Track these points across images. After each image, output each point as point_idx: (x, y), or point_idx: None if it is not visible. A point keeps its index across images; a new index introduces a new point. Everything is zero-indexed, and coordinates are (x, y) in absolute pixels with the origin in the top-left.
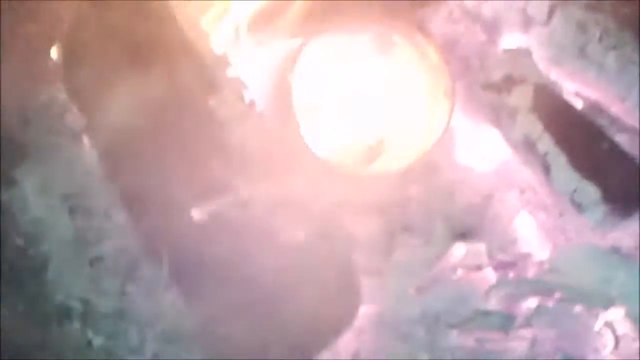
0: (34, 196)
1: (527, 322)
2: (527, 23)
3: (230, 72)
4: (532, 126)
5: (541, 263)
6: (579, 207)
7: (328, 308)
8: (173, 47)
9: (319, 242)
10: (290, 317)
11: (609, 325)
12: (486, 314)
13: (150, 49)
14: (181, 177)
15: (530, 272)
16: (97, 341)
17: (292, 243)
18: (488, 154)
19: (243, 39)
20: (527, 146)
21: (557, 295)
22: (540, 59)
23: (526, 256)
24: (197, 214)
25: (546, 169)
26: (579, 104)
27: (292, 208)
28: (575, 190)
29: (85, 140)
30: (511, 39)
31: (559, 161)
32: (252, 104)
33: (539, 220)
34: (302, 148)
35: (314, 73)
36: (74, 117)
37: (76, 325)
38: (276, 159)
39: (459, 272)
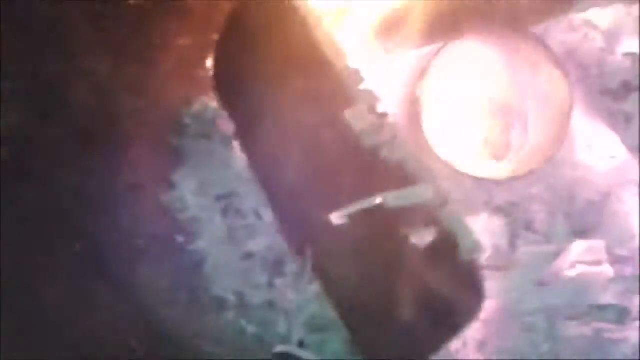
0: (191, 197)
1: None
2: None
3: (364, 86)
4: None
5: None
6: None
7: (456, 302)
8: (314, 61)
9: (446, 244)
10: (423, 311)
11: None
12: (603, 307)
13: (292, 63)
14: (321, 184)
15: None
16: (250, 329)
17: (421, 244)
18: (607, 153)
19: (372, 48)
20: None
21: None
22: None
23: None
24: (335, 217)
25: None
26: None
27: (421, 212)
28: None
29: (235, 145)
30: (629, 46)
31: None
32: (384, 115)
33: None
34: (430, 156)
35: (444, 82)
36: (225, 124)
37: (231, 315)
38: (406, 167)
39: (579, 267)
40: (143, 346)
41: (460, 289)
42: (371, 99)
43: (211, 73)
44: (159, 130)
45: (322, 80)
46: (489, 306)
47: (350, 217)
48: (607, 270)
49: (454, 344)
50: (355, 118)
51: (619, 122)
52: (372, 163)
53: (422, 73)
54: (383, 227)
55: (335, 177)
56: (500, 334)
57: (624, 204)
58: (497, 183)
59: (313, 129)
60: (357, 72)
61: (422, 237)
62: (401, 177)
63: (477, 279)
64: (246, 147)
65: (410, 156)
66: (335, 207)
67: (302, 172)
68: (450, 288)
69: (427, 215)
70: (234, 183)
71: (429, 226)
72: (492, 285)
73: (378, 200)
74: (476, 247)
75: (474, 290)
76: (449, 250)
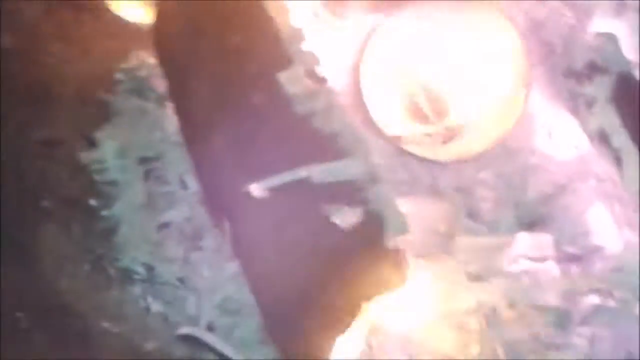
0: (112, 158)
1: (585, 321)
2: (619, 9)
3: (305, 47)
4: (608, 118)
5: (608, 259)
6: None
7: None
8: (253, 15)
9: (371, 226)
10: (339, 295)
11: None
12: (543, 309)
13: (231, 17)
14: (245, 151)
15: (596, 268)
16: (155, 307)
17: (343, 224)
18: (568, 141)
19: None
20: (602, 138)
21: (618, 294)
22: (629, 47)
23: (596, 249)
24: (255, 189)
25: (618, 164)
26: None
27: (347, 189)
28: None
29: (169, 105)
30: (601, 25)
31: (631, 158)
32: (322, 80)
33: (614, 212)
34: (369, 128)
35: (389, 51)
36: (161, 82)
37: (137, 290)
38: (341, 138)
39: (521, 263)
40: (29, 317)
41: (382, 276)
42: (310, 61)
43: (151, 26)
44: (86, 83)
45: (260, 35)
46: (416, 299)
47: (272, 189)
48: (552, 268)
49: (375, 339)
50: (290, 81)
51: (580, 105)
52: (302, 132)
53: (368, 37)
54: (306, 203)
55: (261, 144)
56: (428, 330)
57: (580, 197)
58: (443, 165)
59: (245, 90)
60: (298, 31)
61: (346, 217)
62: (331, 149)
63: (402, 265)
64: (178, 108)
65: (344, 128)
66: (258, 177)
67: (227, 136)
68: (372, 275)
69: (353, 193)
70: (161, 146)
71: (354, 206)
72: (423, 276)
73: (303, 173)
74: (403, 230)
75: (398, 280)
76: (374, 234)
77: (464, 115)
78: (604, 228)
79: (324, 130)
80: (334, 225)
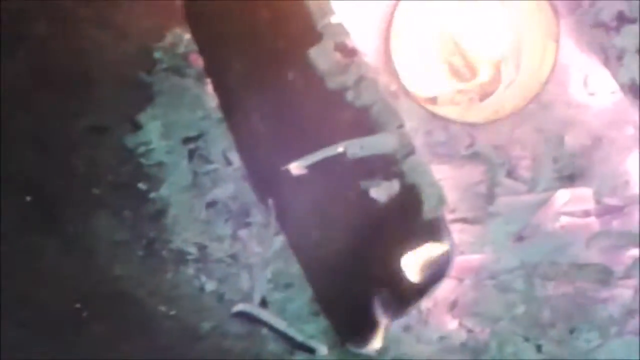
0: (157, 140)
1: (627, 274)
2: None
3: (334, 19)
4: (638, 69)
5: None
6: None
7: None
8: None
9: (408, 199)
10: (387, 270)
11: None
12: (584, 267)
13: None
14: (282, 130)
15: (636, 219)
16: (209, 286)
17: (381, 199)
18: (603, 90)
19: None
20: (633, 89)
21: None
22: None
23: (636, 199)
24: (294, 167)
25: None
26: None
27: (383, 163)
28: None
29: (207, 81)
30: None
31: None
32: (353, 52)
33: None
34: (403, 94)
35: (418, 12)
36: (199, 58)
37: (191, 270)
38: (373, 111)
39: (562, 219)
40: (88, 307)
41: (424, 246)
42: (340, 33)
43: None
44: (126, 66)
45: (289, 10)
46: (461, 263)
47: (310, 167)
48: (592, 223)
49: (425, 304)
50: (319, 56)
51: (611, 57)
52: (334, 108)
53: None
54: (343, 179)
55: (296, 122)
56: (473, 293)
57: (617, 146)
58: (478, 126)
59: (277, 67)
60: (327, 5)
61: (383, 191)
62: (365, 123)
63: (443, 235)
64: (215, 84)
65: (377, 100)
66: (296, 155)
67: (265, 115)
68: (413, 246)
69: (390, 166)
70: (203, 123)
71: (391, 179)
72: (466, 240)
73: (339, 149)
74: (441, 202)
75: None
76: (412, 206)
77: (497, 72)
78: None
79: (356, 104)
80: (373, 199)
